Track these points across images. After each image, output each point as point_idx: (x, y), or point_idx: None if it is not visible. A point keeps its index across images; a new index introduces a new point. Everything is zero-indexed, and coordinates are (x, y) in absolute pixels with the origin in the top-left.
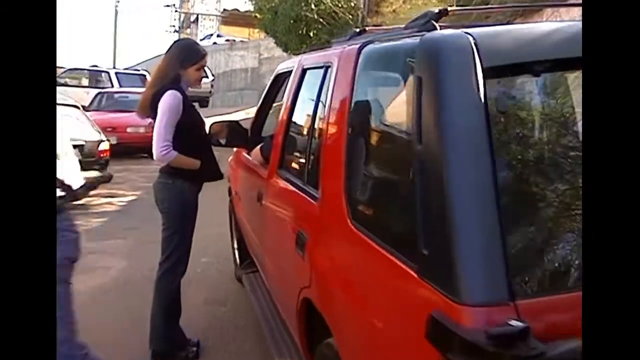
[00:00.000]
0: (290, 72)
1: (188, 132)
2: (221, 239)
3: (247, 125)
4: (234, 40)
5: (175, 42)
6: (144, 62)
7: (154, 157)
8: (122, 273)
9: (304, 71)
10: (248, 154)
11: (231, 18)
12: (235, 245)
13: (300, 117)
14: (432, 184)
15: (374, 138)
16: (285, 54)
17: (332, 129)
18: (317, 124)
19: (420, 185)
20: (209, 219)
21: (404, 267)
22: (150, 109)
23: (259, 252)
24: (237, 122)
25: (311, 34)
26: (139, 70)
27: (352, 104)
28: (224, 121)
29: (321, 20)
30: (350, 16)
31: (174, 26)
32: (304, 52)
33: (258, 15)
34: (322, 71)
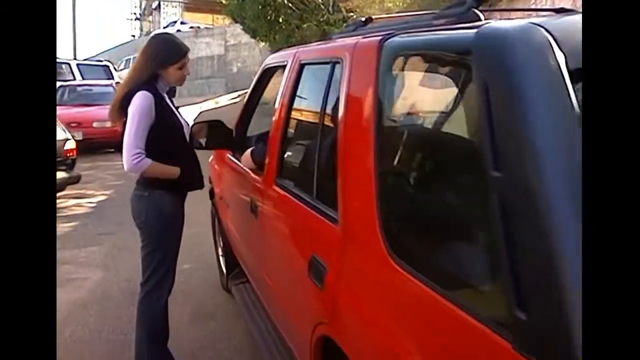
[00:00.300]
0: (283, 66)
1: (164, 137)
2: (202, 241)
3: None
4: (199, 27)
5: (152, 37)
6: (105, 51)
7: (125, 167)
8: (99, 285)
9: (302, 66)
10: (233, 155)
11: (194, 4)
12: (221, 252)
13: (302, 119)
14: (526, 225)
15: (418, 150)
16: (253, 40)
17: (351, 137)
18: (327, 128)
19: (502, 224)
20: (186, 218)
21: (484, 329)
22: (120, 113)
23: (253, 266)
24: (220, 121)
25: (280, 20)
26: (101, 61)
27: (378, 108)
28: (205, 121)
29: (290, 5)
30: (321, 0)
31: (135, 13)
32: (273, 38)
33: (224, 1)
34: (328, 67)
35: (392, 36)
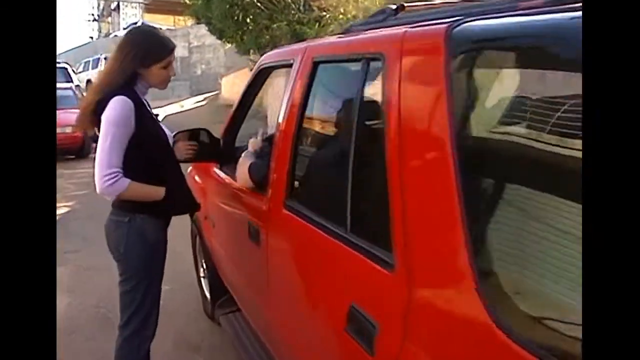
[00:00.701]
0: (286, 66)
1: (146, 151)
2: (177, 258)
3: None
4: (161, 29)
5: (131, 31)
6: (62, 53)
7: (97, 189)
8: (66, 313)
9: (315, 65)
10: (221, 168)
11: (155, 5)
12: (202, 274)
13: (322, 128)
14: None
15: (524, 168)
16: (218, 41)
17: (414, 152)
18: (364, 141)
19: None
20: None
21: None
22: (92, 121)
23: (251, 299)
24: (205, 130)
25: (248, 20)
26: (59, 63)
27: (456, 114)
28: (188, 130)
29: (259, 4)
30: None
31: (92, 14)
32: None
33: (188, 1)
34: (358, 66)
35: (462, 22)
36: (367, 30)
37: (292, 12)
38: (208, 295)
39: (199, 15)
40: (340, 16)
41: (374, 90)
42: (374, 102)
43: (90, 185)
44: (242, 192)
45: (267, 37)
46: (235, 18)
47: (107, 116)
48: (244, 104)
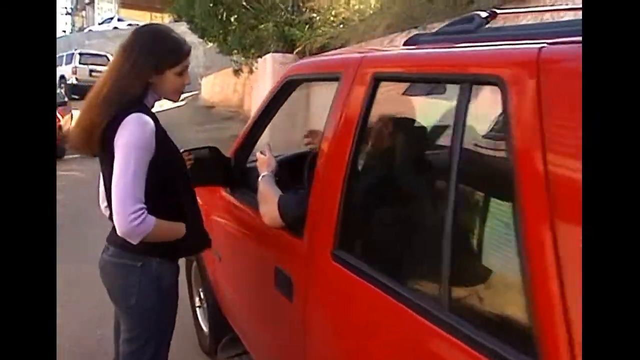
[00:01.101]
0: (326, 79)
1: (166, 178)
2: None
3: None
4: (138, 25)
5: (138, 31)
6: None
7: (120, 231)
8: None
9: (376, 82)
10: (232, 193)
11: (132, 0)
12: (198, 304)
13: (393, 163)
14: None
15: None
16: (197, 40)
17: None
18: (469, 183)
19: None
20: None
21: None
22: (102, 145)
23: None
24: (213, 148)
25: (232, 19)
26: None
27: None
28: (194, 149)
29: (244, 3)
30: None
31: (66, 7)
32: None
33: None
34: (454, 90)
35: None
36: (441, 42)
37: (281, 12)
38: (206, 329)
39: (181, 13)
40: (332, 19)
41: (484, 121)
42: (489, 136)
43: (66, 189)
44: (266, 228)
45: (253, 37)
46: (220, 17)
47: (127, 140)
48: (263, 119)
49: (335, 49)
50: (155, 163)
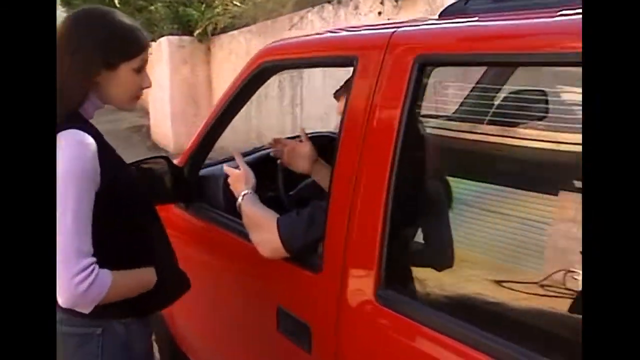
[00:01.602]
0: (329, 64)
1: (122, 211)
2: None
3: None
4: None
5: (74, 14)
6: None
7: (63, 301)
8: None
9: (421, 68)
10: (187, 207)
11: None
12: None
13: (462, 169)
14: None
15: None
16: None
17: None
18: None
19: None
20: None
21: None
22: None
23: None
24: (165, 158)
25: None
26: None
27: None
28: (142, 161)
29: None
30: None
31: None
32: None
33: None
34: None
35: None
36: (488, 11)
37: None
38: None
39: None
40: None
41: None
42: None
43: None
44: (254, 255)
45: (143, 20)
46: None
47: (60, 170)
48: (226, 116)
49: (241, 28)
50: (103, 194)
